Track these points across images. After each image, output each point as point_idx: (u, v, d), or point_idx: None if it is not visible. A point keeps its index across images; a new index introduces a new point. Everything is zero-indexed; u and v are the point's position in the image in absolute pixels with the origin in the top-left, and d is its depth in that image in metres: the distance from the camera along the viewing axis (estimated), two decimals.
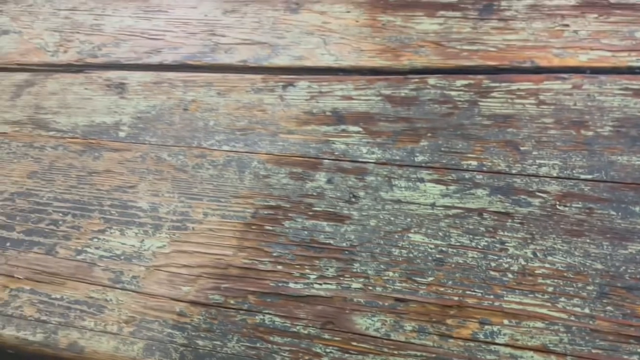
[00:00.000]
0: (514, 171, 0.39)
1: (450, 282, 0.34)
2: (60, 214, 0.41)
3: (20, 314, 0.37)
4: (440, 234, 0.36)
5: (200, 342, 0.34)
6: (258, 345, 0.34)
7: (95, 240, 0.40)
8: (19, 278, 0.38)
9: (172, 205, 0.41)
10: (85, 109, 0.48)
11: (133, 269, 0.38)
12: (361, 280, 0.35)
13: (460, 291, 0.34)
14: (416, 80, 0.45)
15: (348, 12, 0.52)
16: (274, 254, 0.37)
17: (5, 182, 0.44)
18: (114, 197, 0.42)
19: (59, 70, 0.52)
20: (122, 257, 0.38)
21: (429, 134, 0.42)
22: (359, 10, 0.52)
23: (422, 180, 0.39)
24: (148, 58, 0.51)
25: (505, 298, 0.33)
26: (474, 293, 0.34)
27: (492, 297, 0.33)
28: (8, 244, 0.40)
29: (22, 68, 0.53)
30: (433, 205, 0.38)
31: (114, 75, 0.51)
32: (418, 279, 0.35)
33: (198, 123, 0.46)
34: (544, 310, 0.33)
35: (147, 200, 0.41)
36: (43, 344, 0.35)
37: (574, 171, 0.38)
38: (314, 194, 0.40)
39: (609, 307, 0.32)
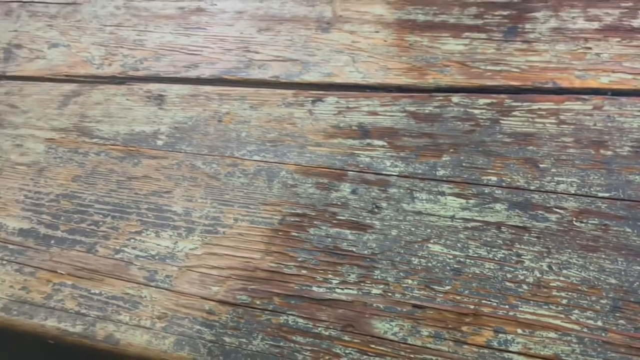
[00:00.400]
0: (532, 187, 0.40)
1: (466, 291, 0.36)
2: (101, 216, 0.44)
3: (61, 307, 0.39)
4: (458, 245, 0.38)
5: (227, 339, 0.36)
6: (281, 344, 0.35)
7: (132, 240, 0.42)
8: (62, 273, 0.41)
9: (204, 210, 0.43)
10: (126, 118, 0.52)
11: (167, 268, 0.40)
12: (381, 286, 0.37)
13: (476, 300, 0.35)
14: (440, 98, 0.47)
15: (377, 32, 0.54)
16: (299, 259, 0.39)
17: (52, 185, 0.47)
18: (150, 201, 0.44)
19: (104, 81, 0.55)
20: (157, 258, 0.41)
21: (451, 150, 0.43)
22: (388, 30, 0.54)
23: (443, 193, 0.41)
24: (186, 72, 0.54)
25: (520, 308, 0.34)
26: (489, 302, 0.35)
27: (507, 307, 0.35)
28: (52, 242, 0.43)
29: (69, 79, 0.56)
30: (453, 217, 0.39)
31: (154, 87, 0.54)
32: (436, 287, 0.36)
33: (231, 134, 0.48)
34: (558, 322, 0.34)
35: (182, 205, 0.44)
36: (82, 335, 0.38)
37: (592, 189, 0.39)
38: (339, 203, 0.42)
39: (621, 321, 0.33)
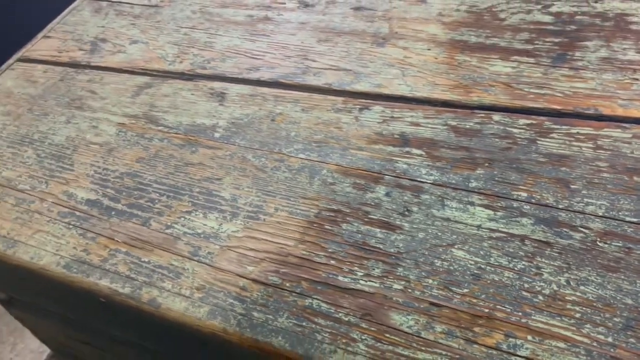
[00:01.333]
0: (560, 206, 0.41)
1: (483, 296, 0.38)
2: (157, 194, 0.49)
3: (115, 270, 0.44)
4: (481, 252, 0.40)
5: (255, 314, 0.39)
6: (304, 324, 0.38)
7: (182, 219, 0.47)
8: (118, 241, 0.46)
9: (249, 198, 0.47)
10: (190, 111, 0.57)
11: (209, 246, 0.44)
12: (402, 282, 0.39)
13: (491, 305, 0.37)
14: (482, 115, 0.49)
15: (429, 49, 0.57)
16: (329, 250, 0.42)
17: (118, 164, 0.53)
18: (202, 186, 0.49)
19: (173, 77, 0.61)
20: (202, 236, 0.45)
21: (485, 164, 0.45)
22: (440, 49, 0.57)
23: (472, 203, 0.43)
24: (248, 74, 0.59)
25: (533, 317, 0.36)
26: (503, 308, 0.37)
27: (520, 314, 0.36)
28: (113, 213, 0.48)
29: (144, 72, 0.62)
30: (479, 227, 0.41)
31: (217, 85, 0.59)
32: (454, 288, 0.38)
33: (281, 132, 0.52)
34: (569, 333, 0.35)
35: (230, 191, 0.48)
36: (129, 296, 0.42)
37: (620, 213, 0.40)
38: (372, 203, 0.45)
39: (631, 339, 0.34)
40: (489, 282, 0.38)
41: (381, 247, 0.42)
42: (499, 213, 0.42)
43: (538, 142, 0.46)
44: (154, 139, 0.54)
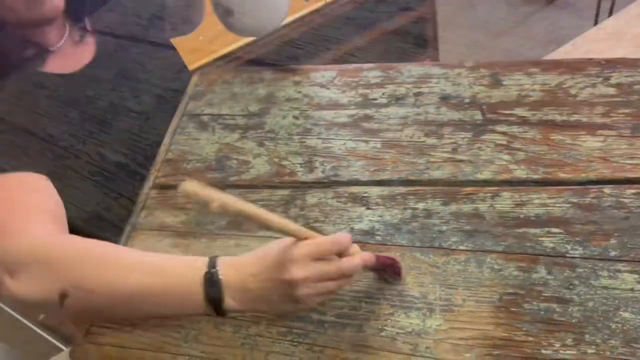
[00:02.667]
0: None
1: None
2: (356, 302, 0.60)
3: None
4: None
5: None
6: None
7: (389, 320, 0.58)
8: (344, 350, 0.57)
9: (437, 294, 0.58)
10: (343, 217, 0.67)
11: (424, 341, 0.55)
12: (593, 347, 0.52)
13: None
14: (595, 190, 0.62)
15: (525, 132, 0.69)
16: (524, 329, 0.54)
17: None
18: (392, 288, 0.60)
19: (311, 186, 0.71)
20: (413, 333, 0.56)
21: (615, 234, 0.58)
22: (534, 130, 0.69)
23: (619, 271, 0.56)
24: (378, 175, 0.70)
25: None
26: None
27: None
28: (326, 325, 0.59)
29: (282, 186, 0.72)
30: (632, 290, 0.54)
31: (355, 190, 0.69)
32: (634, 345, 0.51)
33: (434, 228, 0.64)
34: None
35: (417, 290, 0.59)
36: None
37: None
38: (540, 283, 0.57)
39: None
40: None
41: (564, 319, 0.54)
42: None
43: None
44: None
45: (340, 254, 0.53)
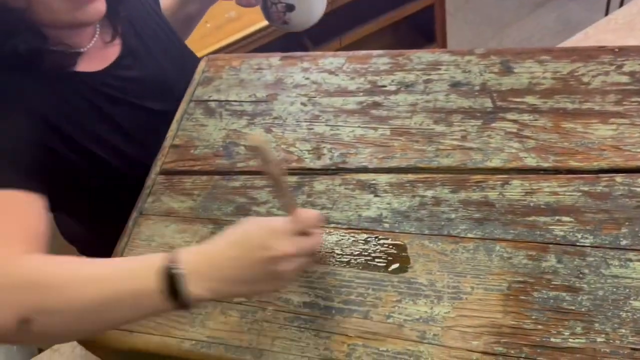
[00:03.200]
0: None
1: None
2: (363, 289, 0.59)
3: None
4: None
5: None
6: None
7: (397, 307, 0.57)
8: (351, 336, 0.56)
9: (444, 281, 0.58)
10: (351, 204, 0.66)
11: (432, 329, 0.55)
12: (603, 335, 0.52)
13: None
14: (606, 178, 0.62)
15: (535, 120, 0.69)
16: (533, 317, 0.54)
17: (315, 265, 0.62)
18: (400, 276, 0.59)
19: (319, 173, 0.70)
20: (421, 320, 0.56)
21: (626, 223, 0.58)
22: (545, 118, 0.68)
23: (630, 260, 0.55)
24: (386, 162, 0.69)
25: None
26: None
27: None
28: (334, 311, 0.58)
29: (290, 172, 0.71)
30: None
31: (364, 177, 0.68)
32: None
33: (442, 216, 0.63)
34: None
35: (425, 277, 0.59)
36: None
37: None
38: (550, 271, 0.56)
39: None
40: None
41: (573, 308, 0.54)
42: None
43: None
44: (334, 236, 0.64)
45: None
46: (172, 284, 0.50)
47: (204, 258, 0.52)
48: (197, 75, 0.87)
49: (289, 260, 0.52)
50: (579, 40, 1.21)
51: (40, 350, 1.42)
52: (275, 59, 0.86)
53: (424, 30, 2.17)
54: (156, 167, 0.77)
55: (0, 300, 0.51)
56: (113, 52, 0.81)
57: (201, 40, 1.66)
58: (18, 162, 0.66)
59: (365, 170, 0.69)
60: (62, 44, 0.72)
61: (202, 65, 0.89)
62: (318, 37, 1.96)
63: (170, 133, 0.80)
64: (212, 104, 0.83)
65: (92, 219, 0.89)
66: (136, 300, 0.51)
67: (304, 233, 0.54)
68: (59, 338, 0.59)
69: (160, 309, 0.52)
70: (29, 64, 0.69)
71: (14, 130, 0.68)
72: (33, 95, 0.70)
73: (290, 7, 0.83)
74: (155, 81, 0.84)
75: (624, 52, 0.73)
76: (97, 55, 0.79)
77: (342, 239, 0.64)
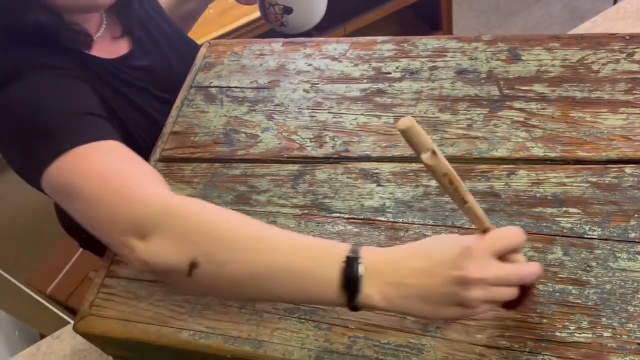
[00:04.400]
0: None
1: None
2: None
3: (362, 354, 0.53)
4: None
5: None
6: None
7: None
8: (352, 328, 0.55)
9: None
10: (353, 194, 0.65)
11: (434, 322, 0.54)
12: (610, 330, 0.50)
13: None
14: (615, 169, 0.60)
15: (543, 108, 0.67)
16: (538, 311, 0.53)
17: None
18: None
19: (321, 162, 0.69)
20: None
21: (635, 215, 0.56)
22: (553, 107, 0.67)
23: (639, 253, 0.54)
24: (390, 151, 0.68)
25: None
26: None
27: None
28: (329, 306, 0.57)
29: (291, 161, 0.70)
30: None
31: (367, 166, 0.67)
32: None
33: (446, 206, 0.62)
34: None
35: None
36: None
37: None
38: (556, 264, 0.55)
39: None
40: None
41: (580, 302, 0.52)
42: None
43: None
44: (335, 225, 0.63)
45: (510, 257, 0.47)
46: (351, 281, 0.47)
47: (386, 260, 0.48)
48: (198, 61, 0.86)
49: (482, 287, 0.44)
50: (587, 28, 1.19)
51: (42, 336, 1.43)
52: (277, 44, 0.85)
53: (429, 18, 2.14)
54: (155, 154, 0.75)
55: (180, 238, 0.51)
56: (122, 45, 0.80)
57: (203, 27, 1.64)
58: (100, 117, 0.65)
59: (368, 159, 0.68)
60: (75, 23, 0.71)
61: (202, 50, 0.87)
62: (322, 24, 1.93)
63: (170, 119, 0.79)
64: (213, 90, 0.81)
65: None
66: (309, 283, 0.49)
67: (505, 258, 0.47)
68: (222, 291, 0.56)
69: (329, 302, 0.49)
70: (47, 39, 0.68)
71: (79, 91, 0.67)
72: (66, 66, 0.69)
73: (288, 10, 0.82)
74: (163, 73, 0.84)
75: (635, 39, 0.71)
76: (107, 45, 0.78)
77: (344, 228, 0.63)
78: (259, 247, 0.51)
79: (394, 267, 0.47)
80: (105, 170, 0.57)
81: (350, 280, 0.47)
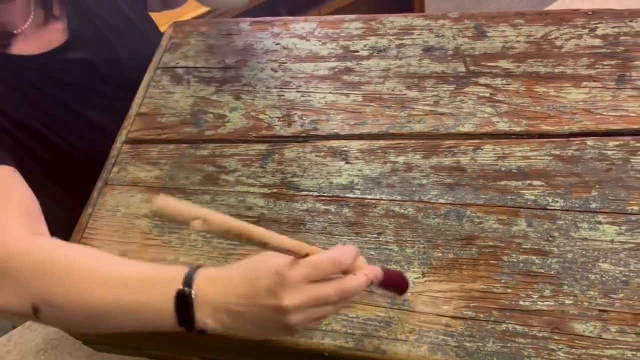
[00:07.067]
0: None
1: (636, 297, 0.50)
2: None
3: (331, 329, 0.54)
4: (622, 262, 0.52)
5: (467, 344, 0.51)
6: (509, 345, 0.50)
7: None
8: None
9: (415, 247, 0.57)
10: (322, 172, 0.65)
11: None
12: (571, 297, 0.51)
13: None
14: (577, 142, 0.61)
15: (508, 84, 0.68)
16: (502, 281, 0.54)
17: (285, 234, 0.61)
18: (370, 241, 0.58)
19: (290, 141, 0.69)
20: None
21: (596, 186, 0.57)
22: (517, 82, 0.67)
23: (600, 222, 0.55)
24: (358, 129, 0.68)
25: None
26: None
27: None
28: None
29: (259, 140, 0.70)
30: (612, 241, 0.54)
31: (335, 144, 0.67)
32: (612, 295, 0.51)
33: (414, 182, 0.62)
34: None
35: (395, 243, 0.58)
36: (355, 349, 0.52)
37: None
38: (520, 235, 0.56)
39: None
40: (636, 285, 0.51)
41: (542, 271, 0.53)
42: (623, 227, 0.54)
43: (631, 160, 0.58)
44: (304, 203, 0.63)
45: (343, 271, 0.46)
46: (185, 309, 0.46)
47: (216, 286, 0.47)
48: (164, 42, 0.84)
49: (298, 312, 0.45)
50: (556, 7, 1.20)
51: (14, 328, 1.40)
52: (245, 24, 0.84)
53: (403, 1, 2.14)
54: (121, 136, 0.74)
55: (16, 285, 0.50)
56: (56, 36, 0.75)
57: (177, 11, 1.61)
58: None
59: (336, 137, 0.68)
60: None
61: (169, 31, 0.86)
62: (297, 7, 1.92)
63: (137, 101, 0.78)
64: (180, 71, 0.80)
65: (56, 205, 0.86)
66: (148, 315, 0.48)
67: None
68: (72, 328, 0.57)
69: (171, 330, 0.48)
70: None
71: None
72: None
73: None
74: (109, 66, 0.80)
75: (597, 15, 0.72)
76: (36, 37, 0.73)
77: (313, 206, 0.63)
78: (92, 286, 0.49)
79: (222, 293, 0.46)
80: None
81: (183, 310, 0.46)
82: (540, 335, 0.50)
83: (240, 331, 0.48)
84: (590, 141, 0.61)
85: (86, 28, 0.78)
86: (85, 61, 0.77)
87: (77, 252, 0.54)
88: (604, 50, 0.68)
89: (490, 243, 0.56)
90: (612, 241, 0.54)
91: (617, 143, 0.60)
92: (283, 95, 0.74)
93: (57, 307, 0.50)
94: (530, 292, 0.53)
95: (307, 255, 0.45)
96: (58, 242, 0.55)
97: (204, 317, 0.46)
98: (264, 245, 0.43)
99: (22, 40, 0.72)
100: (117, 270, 0.51)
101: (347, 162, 0.65)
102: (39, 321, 0.51)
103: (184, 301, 0.46)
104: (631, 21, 0.70)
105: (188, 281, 0.47)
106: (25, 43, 0.72)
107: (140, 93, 0.79)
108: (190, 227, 0.40)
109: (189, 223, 0.40)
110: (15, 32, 0.71)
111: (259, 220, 0.63)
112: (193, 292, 0.46)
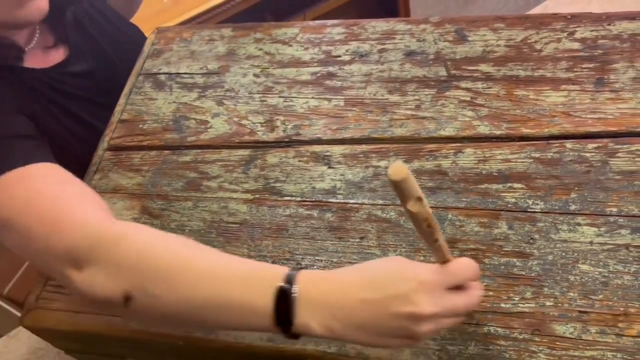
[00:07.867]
0: None
1: (615, 298, 0.51)
2: (326, 262, 0.58)
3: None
4: (601, 263, 0.53)
5: (450, 347, 0.51)
6: (490, 347, 0.50)
7: None
8: None
9: (398, 251, 0.57)
10: (304, 177, 0.65)
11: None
12: (552, 299, 0.52)
13: (624, 304, 0.50)
14: (557, 144, 0.62)
15: (489, 87, 0.68)
16: (484, 283, 0.54)
17: (267, 240, 0.61)
18: (354, 247, 0.59)
19: (272, 146, 0.69)
20: None
21: (576, 188, 0.58)
22: (498, 86, 0.68)
23: (579, 224, 0.56)
24: (340, 134, 0.68)
25: None
26: (634, 305, 0.50)
27: None
28: None
29: (242, 146, 0.70)
30: (591, 242, 0.54)
31: (317, 149, 0.67)
32: (592, 296, 0.51)
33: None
34: None
35: (380, 248, 0.58)
36: (338, 354, 0.52)
37: None
38: (501, 238, 0.56)
39: None
40: (615, 286, 0.51)
41: (524, 273, 0.54)
42: (602, 229, 0.55)
43: (609, 162, 0.59)
44: (287, 209, 0.63)
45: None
46: (285, 311, 0.44)
47: (330, 290, 0.44)
48: (146, 48, 0.84)
49: (432, 321, 0.42)
50: (537, 12, 1.21)
51: None
52: (227, 30, 0.84)
53: (388, 5, 2.15)
54: (103, 143, 0.74)
55: (112, 269, 0.48)
56: (58, 53, 0.76)
57: (158, 16, 1.60)
58: (30, 138, 0.62)
59: (319, 141, 0.68)
60: (3, 38, 0.67)
61: (151, 37, 0.86)
62: (281, 12, 1.92)
63: (118, 108, 0.77)
64: (162, 77, 0.80)
65: None
66: (242, 312, 0.46)
67: (457, 287, 0.44)
68: (160, 323, 0.55)
69: (269, 331, 0.45)
70: None
71: (3, 112, 0.64)
72: None
73: None
74: (107, 77, 0.81)
75: (576, 18, 0.72)
76: (41, 56, 0.74)
77: (296, 211, 0.63)
78: (190, 278, 0.47)
79: (338, 298, 0.44)
80: (39, 198, 0.53)
81: (282, 311, 0.44)
82: (522, 337, 0.50)
83: (352, 339, 0.44)
84: (569, 144, 0.61)
85: (84, 42, 0.79)
86: (85, 74, 0.78)
87: (175, 243, 0.51)
88: (582, 53, 0.69)
89: (472, 246, 0.56)
90: (591, 242, 0.54)
91: (595, 145, 0.61)
92: (265, 101, 0.74)
93: (152, 297, 0.47)
94: (511, 295, 0.53)
95: (445, 261, 0.44)
96: (151, 230, 0.52)
97: (306, 318, 0.43)
98: (434, 241, 0.44)
99: (29, 58, 0.72)
100: (219, 266, 0.48)
101: (329, 167, 0.66)
102: (125, 311, 0.48)
103: (284, 299, 0.44)
104: (609, 24, 0.71)
105: (289, 279, 0.44)
106: (34, 60, 0.73)
107: (122, 100, 0.78)
108: (406, 204, 0.40)
109: (407, 200, 0.40)
110: (24, 49, 0.72)
111: (241, 226, 0.63)
112: (295, 289, 0.44)
